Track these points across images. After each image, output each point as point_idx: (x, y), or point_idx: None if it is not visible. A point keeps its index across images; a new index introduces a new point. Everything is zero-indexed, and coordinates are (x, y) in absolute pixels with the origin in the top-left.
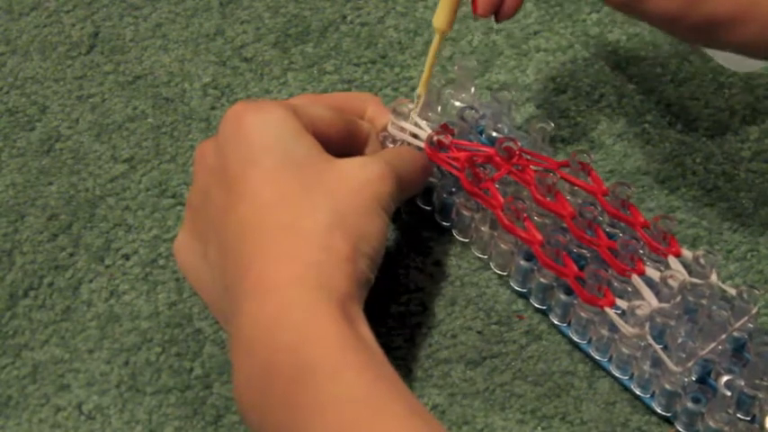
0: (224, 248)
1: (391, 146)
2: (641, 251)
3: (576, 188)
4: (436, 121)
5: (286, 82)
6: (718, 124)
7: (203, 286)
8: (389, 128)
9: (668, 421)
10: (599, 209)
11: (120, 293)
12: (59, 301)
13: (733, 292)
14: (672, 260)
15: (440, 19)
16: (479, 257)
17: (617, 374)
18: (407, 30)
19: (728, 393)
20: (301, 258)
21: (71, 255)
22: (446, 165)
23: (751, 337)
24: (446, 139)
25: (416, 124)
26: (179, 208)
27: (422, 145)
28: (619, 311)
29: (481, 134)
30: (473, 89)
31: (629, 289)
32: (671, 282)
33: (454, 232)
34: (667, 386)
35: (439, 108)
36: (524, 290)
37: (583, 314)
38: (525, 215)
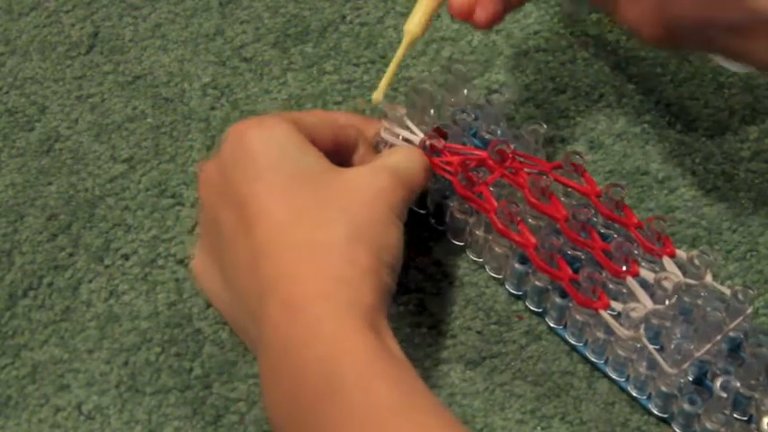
0: (241, 270)
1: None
2: (636, 252)
3: (569, 190)
4: (430, 124)
5: (286, 82)
6: (718, 124)
7: (224, 306)
8: (382, 132)
9: (666, 422)
10: (593, 210)
11: (120, 293)
12: (59, 301)
13: (728, 292)
14: (666, 261)
15: (413, 22)
16: (475, 260)
17: (614, 376)
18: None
19: (724, 395)
20: (326, 274)
21: (70, 255)
22: (439, 169)
23: (746, 337)
24: (439, 144)
25: (408, 128)
26: (178, 208)
27: None
28: (614, 313)
29: (474, 137)
30: (466, 92)
31: (624, 291)
32: (665, 283)
33: (449, 236)
34: (663, 388)
35: (432, 111)
36: (520, 293)
37: (578, 317)
38: (519, 218)
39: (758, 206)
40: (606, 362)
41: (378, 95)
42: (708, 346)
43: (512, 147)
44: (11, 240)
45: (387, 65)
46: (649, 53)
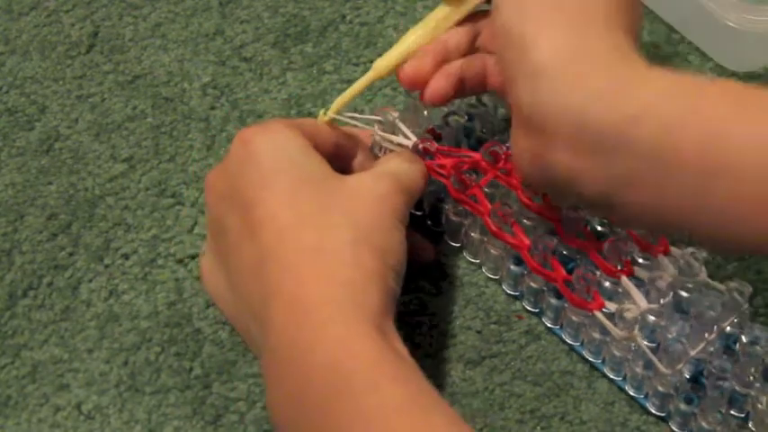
0: (246, 274)
1: (379, 153)
2: (630, 250)
3: None
4: (423, 126)
5: (285, 82)
6: None
7: (228, 309)
8: (375, 135)
9: (665, 421)
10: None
11: (120, 293)
12: (59, 300)
13: (723, 288)
14: (661, 258)
15: (384, 63)
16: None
17: (611, 376)
18: (407, 29)
19: (719, 394)
20: (333, 278)
21: (70, 254)
22: (433, 172)
23: (742, 334)
24: (431, 146)
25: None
26: (178, 207)
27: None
28: (610, 312)
29: (468, 138)
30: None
31: (620, 290)
32: (660, 281)
33: (446, 237)
34: (660, 387)
35: (425, 112)
36: (516, 293)
37: (574, 317)
38: (513, 220)
39: None
40: (603, 361)
41: (327, 116)
42: (702, 344)
43: (504, 148)
44: (11, 240)
45: None
46: (650, 53)
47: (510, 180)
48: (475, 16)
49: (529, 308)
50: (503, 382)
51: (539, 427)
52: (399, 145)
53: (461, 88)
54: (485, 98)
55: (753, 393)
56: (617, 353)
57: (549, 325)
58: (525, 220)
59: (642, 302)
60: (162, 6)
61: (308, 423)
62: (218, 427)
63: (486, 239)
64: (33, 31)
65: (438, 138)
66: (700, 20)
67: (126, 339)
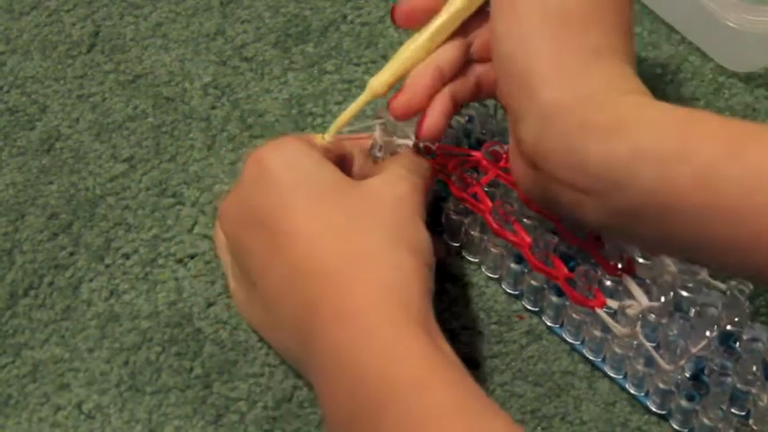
0: (279, 292)
1: (379, 154)
2: (632, 249)
3: None
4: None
5: (286, 82)
6: None
7: (269, 333)
8: (375, 136)
9: (665, 419)
10: None
11: (120, 293)
12: (59, 300)
13: (723, 287)
14: (663, 258)
15: (379, 80)
16: (472, 261)
17: (612, 374)
18: (408, 30)
19: (721, 391)
20: (375, 282)
21: (71, 254)
22: (433, 171)
23: (743, 332)
24: (433, 145)
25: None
26: (179, 207)
27: None
28: (611, 311)
29: (468, 138)
30: None
31: (621, 288)
32: (661, 280)
33: (445, 237)
34: (661, 385)
35: None
36: (516, 292)
37: (575, 315)
38: (514, 218)
39: None
40: (604, 360)
41: (325, 138)
42: (704, 342)
43: (505, 147)
44: (11, 239)
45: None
46: (650, 53)
47: (511, 179)
48: (465, 26)
49: (529, 306)
50: (503, 382)
51: (539, 428)
52: (400, 145)
53: (455, 108)
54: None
55: (754, 391)
56: (618, 350)
57: (549, 324)
58: (526, 219)
59: (644, 300)
60: (163, 6)
61: (358, 428)
62: (218, 426)
63: (486, 238)
64: (34, 30)
65: (438, 138)
66: (700, 20)
67: (126, 339)
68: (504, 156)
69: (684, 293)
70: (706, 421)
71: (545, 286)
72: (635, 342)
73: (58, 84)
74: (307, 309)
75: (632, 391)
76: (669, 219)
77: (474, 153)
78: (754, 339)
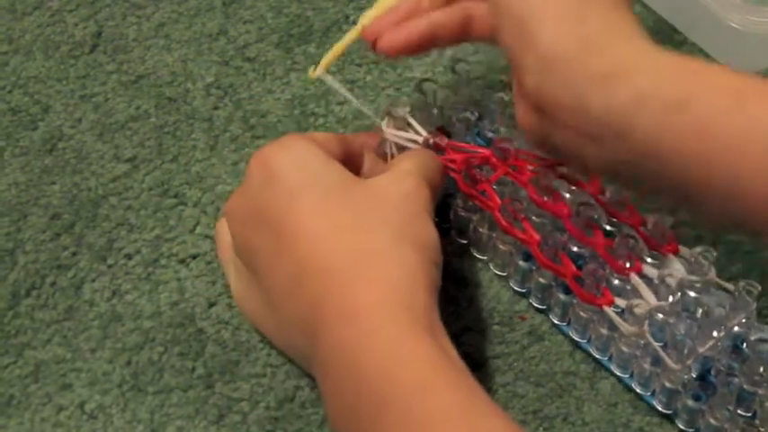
0: (286, 291)
1: (388, 150)
2: (640, 248)
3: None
4: (433, 123)
5: (289, 82)
6: None
7: (273, 331)
8: (385, 132)
9: (669, 419)
10: (596, 207)
11: (123, 293)
12: (62, 300)
13: (731, 287)
14: (670, 258)
15: (368, 16)
16: (480, 258)
17: (618, 373)
18: None
19: (728, 391)
20: (378, 280)
21: (73, 254)
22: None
23: (750, 333)
24: (442, 142)
25: (411, 126)
26: (181, 208)
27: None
28: (618, 310)
29: (478, 136)
30: (468, 91)
31: (629, 287)
32: (669, 279)
33: (453, 234)
34: (668, 384)
35: (435, 110)
36: (524, 290)
37: (582, 313)
38: (523, 216)
39: None
40: (610, 358)
41: (315, 73)
42: (711, 342)
43: (515, 144)
44: (14, 239)
45: (390, 65)
46: None
47: (520, 177)
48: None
49: (536, 305)
50: (505, 382)
51: (541, 428)
52: (410, 140)
53: (432, 41)
54: (494, 97)
55: (761, 392)
56: (625, 349)
57: (556, 322)
58: (535, 217)
59: (651, 300)
60: (165, 6)
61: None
62: (220, 427)
63: (494, 235)
64: (37, 30)
65: (447, 135)
66: (703, 21)
67: (129, 339)
68: (514, 153)
69: (692, 293)
70: (712, 421)
71: (553, 284)
72: (642, 341)
73: (60, 84)
74: (312, 306)
75: (638, 391)
76: (669, 166)
77: (483, 150)
78: (762, 340)
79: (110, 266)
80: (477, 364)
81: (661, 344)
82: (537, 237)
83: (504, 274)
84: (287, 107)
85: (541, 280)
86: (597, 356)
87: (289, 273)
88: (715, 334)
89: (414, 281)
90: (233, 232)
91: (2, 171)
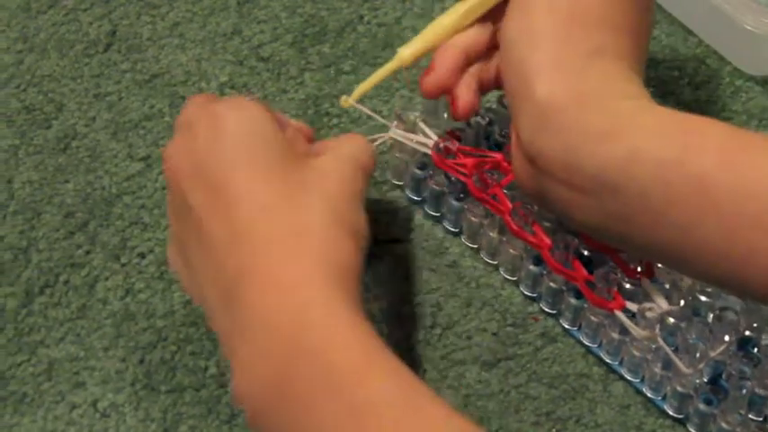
0: (213, 251)
1: (398, 155)
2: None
3: None
4: (443, 127)
5: (303, 82)
6: None
7: (192, 289)
8: (393, 134)
9: (681, 423)
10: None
11: (136, 292)
12: (75, 298)
13: None
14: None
15: (409, 50)
16: (490, 262)
17: (629, 377)
18: None
19: (740, 395)
20: (312, 256)
21: (87, 253)
22: (453, 171)
23: (761, 337)
24: (453, 146)
25: (422, 130)
26: None
27: (428, 151)
28: (629, 314)
29: (487, 140)
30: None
31: (639, 291)
32: (681, 283)
33: (463, 238)
34: (679, 388)
35: (445, 115)
36: (534, 294)
37: (593, 318)
38: (533, 220)
39: None
40: (621, 363)
41: (349, 101)
42: (723, 346)
43: None
44: (28, 238)
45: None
46: (667, 56)
47: None
48: (495, 11)
49: (547, 309)
50: (518, 384)
51: (554, 430)
52: (420, 144)
53: (481, 91)
54: (505, 101)
55: None
56: (636, 353)
57: (566, 326)
58: (545, 222)
59: (663, 304)
60: (180, 6)
61: (290, 417)
62: (233, 426)
63: (504, 239)
64: (51, 29)
65: (458, 140)
66: (717, 23)
67: (142, 338)
68: None
69: (703, 298)
70: (724, 425)
71: (564, 288)
72: (653, 345)
73: (74, 82)
74: (239, 273)
75: (649, 395)
76: (663, 223)
77: (494, 154)
78: None
79: (123, 265)
80: (491, 365)
81: (672, 348)
82: (548, 241)
83: (515, 278)
84: (301, 107)
85: (552, 284)
86: (608, 361)
87: (219, 235)
88: (726, 338)
89: (345, 264)
90: (168, 177)
91: (16, 169)
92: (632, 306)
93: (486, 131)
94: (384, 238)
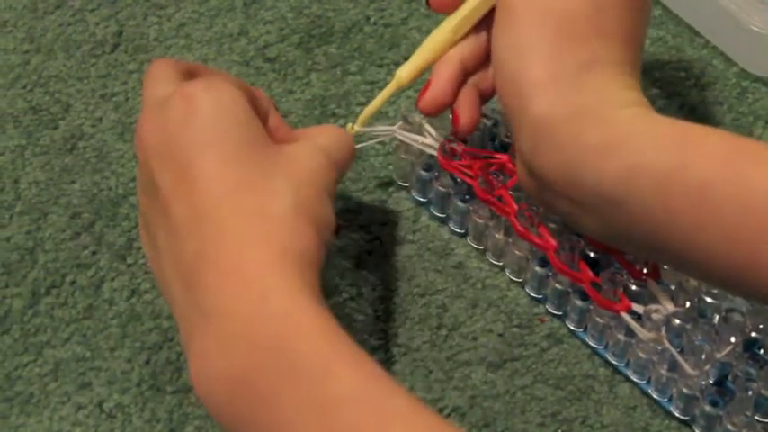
0: (175, 233)
1: (404, 156)
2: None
3: None
4: (448, 129)
5: (309, 82)
6: (741, 129)
7: (159, 277)
8: (397, 133)
9: (688, 425)
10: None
11: (142, 292)
12: (81, 299)
13: None
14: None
15: (406, 73)
16: (495, 264)
17: (635, 379)
18: (431, 31)
19: (746, 396)
20: (273, 245)
21: (93, 253)
22: (459, 173)
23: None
24: (458, 147)
25: (427, 132)
26: None
27: (434, 153)
28: (635, 316)
29: (493, 142)
30: None
31: (645, 293)
32: (686, 285)
33: (469, 239)
34: (685, 390)
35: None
36: (540, 296)
37: (599, 319)
38: (539, 221)
39: None
40: (627, 364)
41: (354, 129)
42: (729, 347)
43: None
44: (34, 238)
45: None
46: (673, 57)
47: None
48: (488, 18)
49: (552, 310)
50: (524, 385)
51: (560, 431)
52: (425, 145)
53: (482, 102)
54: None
55: None
56: (642, 355)
57: (572, 328)
58: (551, 223)
59: (669, 305)
60: (186, 6)
61: (251, 411)
62: None
63: (510, 241)
64: (58, 29)
65: (463, 141)
66: (724, 24)
67: (148, 338)
68: None
69: (709, 299)
70: (730, 427)
71: (569, 290)
72: (659, 347)
73: (81, 83)
74: (198, 258)
75: (655, 396)
76: (665, 233)
77: (500, 156)
78: None
79: (129, 265)
80: (496, 366)
81: (678, 349)
82: (553, 242)
83: (520, 280)
84: (307, 107)
85: (558, 286)
86: (614, 362)
87: (184, 217)
88: (732, 339)
89: (307, 255)
90: (139, 157)
91: (22, 170)
92: (638, 308)
93: (491, 133)
94: (390, 240)
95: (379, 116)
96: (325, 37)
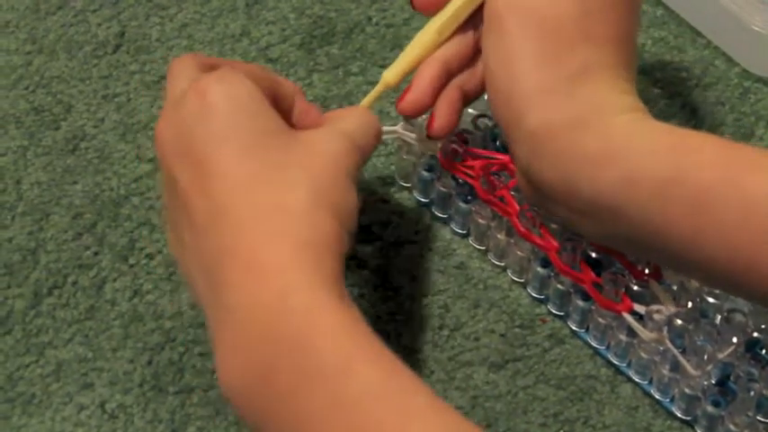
0: (196, 228)
1: (406, 156)
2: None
3: None
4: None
5: (311, 83)
6: (743, 129)
7: (187, 274)
8: (399, 134)
9: (690, 425)
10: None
11: (144, 293)
12: (83, 299)
13: None
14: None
15: (392, 73)
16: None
17: (637, 379)
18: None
19: (748, 396)
20: (292, 239)
21: (95, 254)
22: (461, 173)
23: None
24: (460, 148)
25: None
26: None
27: (436, 153)
28: (636, 316)
29: (495, 142)
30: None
31: (647, 293)
32: (688, 285)
33: (470, 240)
34: (687, 390)
35: None
36: (542, 296)
37: (601, 319)
38: (541, 222)
39: None
40: (629, 364)
41: None
42: (731, 348)
43: None
44: (36, 239)
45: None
46: (675, 57)
47: None
48: (474, 17)
49: (554, 311)
50: (526, 385)
51: (562, 431)
52: (427, 146)
53: (466, 102)
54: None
55: None
56: (644, 355)
57: (574, 328)
58: (553, 224)
59: (671, 306)
60: (188, 7)
61: (274, 409)
62: (241, 427)
63: (512, 241)
64: (60, 30)
65: (465, 142)
66: (726, 24)
67: (150, 339)
68: None
69: (711, 300)
70: (732, 427)
71: (571, 290)
72: (661, 347)
73: (83, 84)
74: (219, 253)
75: (657, 397)
76: (664, 239)
77: (501, 156)
78: None
79: (131, 266)
80: (498, 367)
81: (680, 350)
82: (555, 243)
83: (522, 280)
84: None
85: (560, 286)
86: (616, 363)
87: (203, 212)
88: (734, 340)
89: (325, 246)
90: (159, 155)
91: (24, 170)
92: (640, 308)
93: (493, 133)
94: (392, 240)
95: (382, 117)
96: (326, 37)
